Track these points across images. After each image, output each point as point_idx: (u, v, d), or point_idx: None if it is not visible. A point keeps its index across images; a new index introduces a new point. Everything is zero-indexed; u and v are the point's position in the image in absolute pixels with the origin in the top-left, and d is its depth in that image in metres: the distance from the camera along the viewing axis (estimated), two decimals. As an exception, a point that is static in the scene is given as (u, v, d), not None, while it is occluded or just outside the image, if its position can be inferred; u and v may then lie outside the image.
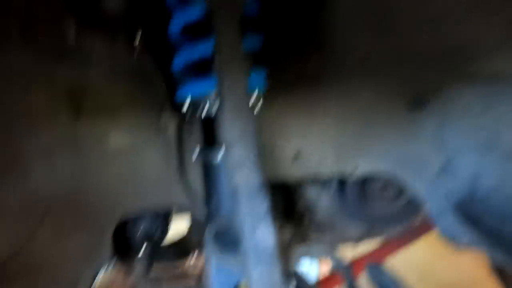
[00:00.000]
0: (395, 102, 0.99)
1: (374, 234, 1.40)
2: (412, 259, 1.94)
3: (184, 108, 0.70)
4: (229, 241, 0.72)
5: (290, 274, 0.56)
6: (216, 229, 0.66)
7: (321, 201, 1.25)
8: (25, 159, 0.79)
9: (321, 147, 0.97)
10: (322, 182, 1.20)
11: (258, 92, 0.77)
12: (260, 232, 0.54)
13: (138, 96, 0.84)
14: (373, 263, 0.63)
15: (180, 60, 0.75)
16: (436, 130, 0.97)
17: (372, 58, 0.91)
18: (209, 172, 0.73)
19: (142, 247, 1.09)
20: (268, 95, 0.82)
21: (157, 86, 0.82)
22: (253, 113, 0.60)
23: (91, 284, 1.10)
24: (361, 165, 1.02)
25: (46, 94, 0.73)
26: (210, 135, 0.73)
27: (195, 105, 0.70)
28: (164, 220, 1.19)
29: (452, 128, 0.95)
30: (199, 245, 1.27)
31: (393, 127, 0.99)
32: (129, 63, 0.80)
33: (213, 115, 0.69)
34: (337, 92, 0.93)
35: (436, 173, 0.97)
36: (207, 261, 0.72)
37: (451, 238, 0.90)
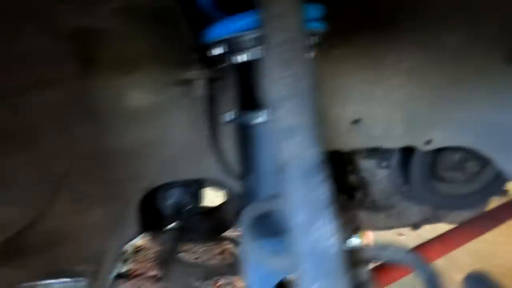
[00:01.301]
0: (490, 54, 0.75)
1: (438, 219, 1.19)
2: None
3: (214, 55, 0.53)
4: (271, 231, 0.56)
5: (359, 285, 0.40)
6: (255, 215, 0.50)
7: (379, 177, 1.06)
8: (32, 120, 0.67)
9: (387, 112, 0.77)
10: (382, 154, 1.00)
11: (313, 36, 0.57)
12: (318, 229, 0.38)
13: (159, 42, 0.68)
14: (473, 273, 0.45)
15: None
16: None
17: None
18: (247, 140, 0.56)
19: (172, 219, 0.97)
20: (325, 43, 0.62)
21: (182, 28, 0.65)
22: (309, 60, 0.42)
23: (118, 256, 1.02)
24: (437, 137, 0.81)
25: (45, 38, 0.58)
26: (249, 92, 0.55)
27: (229, 51, 0.52)
28: (196, 190, 1.06)
29: None
30: (235, 222, 1.14)
31: (484, 87, 0.76)
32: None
33: (254, 64, 0.52)
34: (414, 41, 0.71)
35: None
36: (242, 252, 0.58)
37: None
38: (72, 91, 0.67)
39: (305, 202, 0.39)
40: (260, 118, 0.53)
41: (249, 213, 0.51)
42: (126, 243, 1.02)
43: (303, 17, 0.40)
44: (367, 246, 0.45)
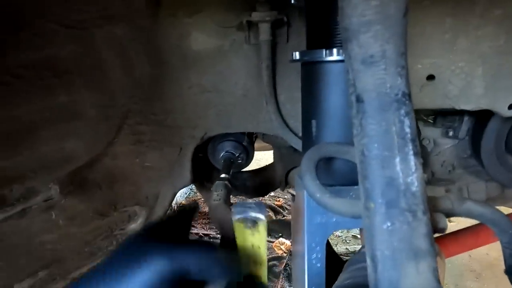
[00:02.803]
0: None
1: (506, 200, 1.09)
2: None
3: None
4: (335, 179, 0.54)
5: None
6: (318, 158, 0.47)
7: (443, 147, 0.98)
8: (101, 56, 0.68)
9: (469, 68, 0.68)
10: (451, 121, 0.92)
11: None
12: (398, 163, 0.34)
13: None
14: None
15: None
16: None
17: None
18: (313, 81, 0.53)
19: (222, 172, 0.97)
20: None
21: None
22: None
23: (171, 202, 1.06)
24: (522, 101, 0.72)
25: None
26: (319, 28, 0.52)
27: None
28: (248, 146, 1.05)
29: None
30: (284, 181, 1.13)
31: None
32: None
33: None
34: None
35: None
36: (298, 198, 0.56)
37: None
38: (139, 28, 0.67)
39: (385, 135, 0.35)
40: (331, 55, 0.49)
41: (312, 155, 0.48)
42: (179, 189, 1.05)
43: None
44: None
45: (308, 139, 0.56)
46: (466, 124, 0.93)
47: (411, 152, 0.35)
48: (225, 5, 0.70)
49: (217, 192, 0.78)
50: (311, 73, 0.53)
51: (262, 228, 0.44)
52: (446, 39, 0.66)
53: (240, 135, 1.01)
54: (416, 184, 0.34)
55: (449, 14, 0.64)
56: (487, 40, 0.65)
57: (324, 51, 0.50)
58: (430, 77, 0.70)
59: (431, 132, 0.98)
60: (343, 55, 0.45)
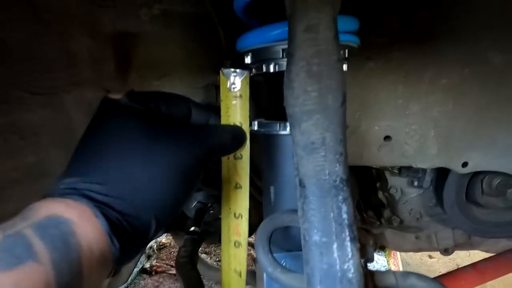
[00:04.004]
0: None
1: (472, 245, 1.12)
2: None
3: (246, 64, 0.53)
4: (289, 246, 0.55)
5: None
6: (273, 228, 0.49)
7: (410, 196, 1.01)
8: (69, 113, 0.70)
9: (422, 130, 0.73)
10: (414, 172, 0.96)
11: (346, 49, 0.56)
12: (336, 250, 0.36)
13: (194, 48, 0.69)
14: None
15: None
16: None
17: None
18: (270, 150, 0.56)
19: (196, 221, 0.97)
20: (358, 55, 0.60)
21: (216, 34, 0.65)
22: (340, 73, 0.41)
23: (138, 259, 1.04)
24: (475, 159, 0.76)
25: (88, 40, 0.61)
26: (275, 102, 0.55)
27: (258, 60, 0.52)
28: (220, 197, 1.06)
29: None
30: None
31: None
32: (183, 5, 0.64)
33: (281, 74, 0.51)
34: (455, 56, 0.67)
35: None
36: (258, 265, 0.57)
37: None
38: (108, 91, 0.70)
39: (323, 221, 0.37)
40: (284, 129, 0.52)
41: (266, 226, 0.50)
42: (151, 240, 1.03)
43: (337, 29, 0.39)
44: (390, 269, 0.43)
45: (268, 204, 0.58)
46: (429, 175, 0.96)
47: (348, 238, 0.37)
48: (194, 68, 0.74)
49: (185, 248, 0.78)
50: (268, 143, 0.56)
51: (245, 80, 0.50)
52: (399, 104, 0.71)
53: (213, 184, 1.02)
54: (352, 270, 0.36)
55: (401, 81, 0.69)
56: (437, 106, 0.70)
57: (278, 124, 0.53)
58: (387, 138, 0.74)
59: (398, 182, 1.02)
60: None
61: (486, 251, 1.22)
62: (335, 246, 0.36)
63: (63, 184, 0.37)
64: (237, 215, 0.54)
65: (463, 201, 0.93)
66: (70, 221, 0.32)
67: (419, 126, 0.72)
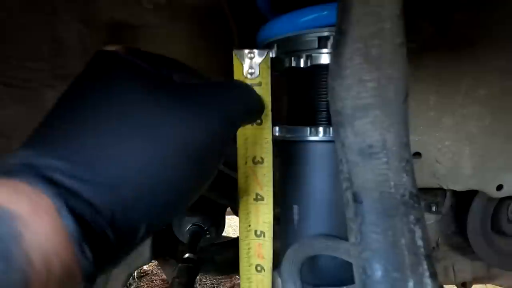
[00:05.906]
0: None
1: (493, 279, 1.02)
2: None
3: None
4: (322, 283, 0.45)
5: None
6: (301, 259, 0.39)
7: (428, 221, 0.92)
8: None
9: (455, 147, 0.65)
10: (433, 196, 0.87)
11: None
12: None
13: (202, 42, 0.60)
14: None
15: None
16: None
17: None
18: (294, 161, 0.46)
19: (187, 252, 0.85)
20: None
21: (228, 28, 0.57)
22: (404, 60, 0.32)
23: (125, 284, 0.91)
24: (510, 181, 0.69)
25: (79, 25, 0.52)
26: (305, 104, 0.46)
27: (284, 54, 0.43)
28: (218, 218, 0.95)
29: None
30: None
31: None
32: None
33: (312, 71, 0.42)
34: (494, 64, 0.60)
35: None
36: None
37: None
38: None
39: (392, 250, 0.28)
40: (316, 135, 0.43)
41: (296, 254, 0.40)
42: (136, 269, 0.91)
43: (403, 7, 0.31)
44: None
45: (289, 226, 0.48)
46: (449, 200, 0.88)
47: (427, 274, 0.27)
48: (200, 65, 0.65)
49: (179, 280, 0.66)
50: (293, 152, 0.46)
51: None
52: (431, 116, 0.63)
53: (209, 207, 0.91)
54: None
55: (434, 91, 0.62)
56: (473, 120, 0.63)
57: (308, 129, 0.43)
58: (417, 154, 0.65)
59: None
60: (333, 137, 0.39)
61: (500, 286, 1.13)
62: (411, 284, 0.26)
63: (14, 157, 0.24)
64: (258, 233, 0.44)
65: (488, 230, 0.84)
66: (16, 216, 0.20)
67: (452, 143, 0.64)
